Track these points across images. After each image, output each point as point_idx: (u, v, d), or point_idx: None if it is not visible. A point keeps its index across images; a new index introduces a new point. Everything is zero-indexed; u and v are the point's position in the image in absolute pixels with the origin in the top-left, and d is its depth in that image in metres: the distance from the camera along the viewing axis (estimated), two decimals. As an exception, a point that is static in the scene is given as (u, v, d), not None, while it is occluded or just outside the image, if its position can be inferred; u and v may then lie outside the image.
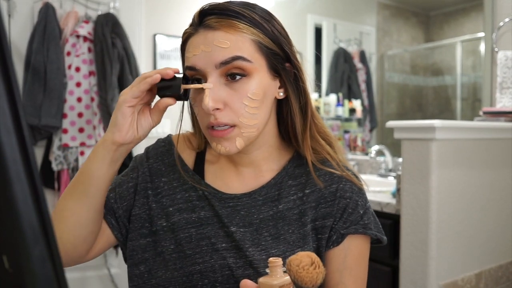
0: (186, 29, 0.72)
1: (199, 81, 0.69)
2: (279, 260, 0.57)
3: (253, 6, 0.71)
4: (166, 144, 0.83)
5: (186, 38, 0.71)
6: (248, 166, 0.77)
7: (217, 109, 0.66)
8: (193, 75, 0.69)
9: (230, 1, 0.70)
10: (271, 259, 0.57)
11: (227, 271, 0.70)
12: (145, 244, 0.75)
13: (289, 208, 0.75)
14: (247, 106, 0.67)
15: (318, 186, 0.75)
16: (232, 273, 0.70)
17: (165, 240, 0.73)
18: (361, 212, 0.75)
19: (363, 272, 0.78)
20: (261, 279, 0.57)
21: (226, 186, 0.77)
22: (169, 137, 0.84)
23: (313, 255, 0.55)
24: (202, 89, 0.67)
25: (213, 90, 0.66)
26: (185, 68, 0.70)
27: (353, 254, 0.75)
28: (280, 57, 0.71)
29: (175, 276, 0.71)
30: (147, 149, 0.84)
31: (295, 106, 0.74)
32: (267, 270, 0.57)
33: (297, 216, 0.74)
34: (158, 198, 0.77)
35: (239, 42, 0.66)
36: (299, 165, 0.78)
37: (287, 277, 0.56)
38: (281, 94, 0.74)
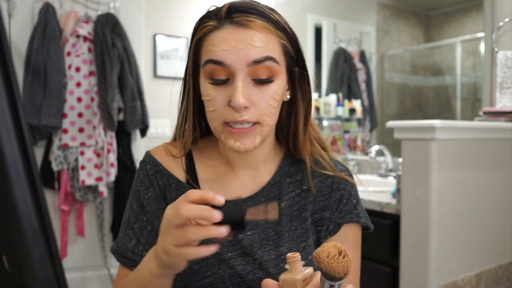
0: (206, 23, 0.68)
1: (221, 79, 0.66)
2: (297, 255, 0.56)
3: (275, 10, 0.71)
4: (152, 166, 0.77)
5: (208, 31, 0.68)
6: (247, 167, 0.77)
7: (245, 107, 0.66)
8: (215, 70, 0.66)
9: (254, 1, 0.70)
10: (289, 254, 0.56)
11: (237, 279, 0.70)
12: None
13: (290, 205, 0.76)
14: (271, 106, 0.68)
15: (315, 181, 0.78)
16: (242, 280, 0.70)
17: None
18: (354, 202, 0.79)
19: (358, 259, 0.81)
20: (282, 276, 0.56)
21: (226, 192, 0.76)
22: (150, 156, 0.78)
23: (339, 245, 0.54)
24: (225, 85, 0.66)
25: (243, 88, 0.65)
26: (208, 61, 0.67)
27: (348, 241, 0.78)
28: (294, 61, 0.72)
29: None
30: (141, 181, 0.77)
31: (302, 110, 0.75)
32: (286, 266, 0.56)
33: (298, 212, 0.76)
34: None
35: (270, 43, 0.67)
36: (293, 162, 0.80)
37: (308, 270, 0.56)
38: (288, 96, 0.74)
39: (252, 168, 0.77)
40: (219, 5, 0.70)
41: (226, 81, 0.67)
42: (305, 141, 0.76)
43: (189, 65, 0.73)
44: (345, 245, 0.76)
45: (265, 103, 0.67)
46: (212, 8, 0.70)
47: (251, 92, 0.66)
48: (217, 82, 0.67)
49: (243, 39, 0.65)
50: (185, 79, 0.75)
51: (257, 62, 0.65)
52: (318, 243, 0.76)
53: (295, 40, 0.72)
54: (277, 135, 0.81)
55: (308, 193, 0.77)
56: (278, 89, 0.68)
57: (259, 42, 0.65)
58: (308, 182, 0.77)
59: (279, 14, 0.71)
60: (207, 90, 0.68)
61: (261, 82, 0.67)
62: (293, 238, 0.74)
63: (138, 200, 0.76)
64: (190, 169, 0.78)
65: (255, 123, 0.67)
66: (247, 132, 0.67)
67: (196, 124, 0.77)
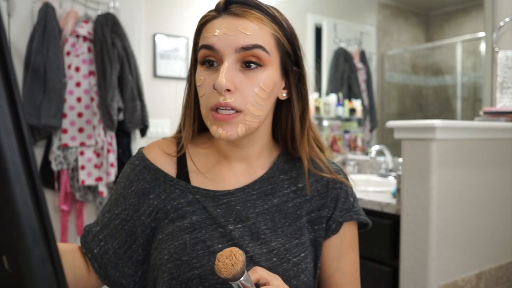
0: (206, 13, 0.72)
1: (211, 63, 0.69)
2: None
3: (277, 9, 0.73)
4: (140, 161, 0.79)
5: (206, 21, 0.71)
6: (242, 161, 0.78)
7: (228, 90, 0.67)
8: (207, 55, 0.69)
9: None
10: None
11: None
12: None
13: (284, 202, 0.77)
14: (257, 95, 0.68)
15: (310, 180, 0.79)
16: None
17: (160, 253, 0.73)
18: (352, 200, 0.80)
19: (357, 256, 0.82)
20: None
21: (219, 181, 0.77)
22: (140, 152, 0.81)
23: (235, 249, 0.58)
24: (216, 71, 0.68)
25: (228, 72, 0.66)
26: (201, 46, 0.69)
27: (347, 240, 0.79)
28: (291, 59, 0.73)
29: (173, 285, 0.70)
30: (127, 175, 0.79)
31: (297, 110, 0.75)
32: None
33: (292, 209, 0.76)
34: (153, 215, 0.75)
35: (261, 33, 0.68)
36: (288, 160, 0.81)
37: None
38: (284, 95, 0.75)
39: (247, 162, 0.78)
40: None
41: (216, 67, 0.69)
42: (303, 141, 0.77)
43: (192, 57, 0.75)
44: (344, 244, 0.78)
45: (250, 90, 0.68)
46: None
47: (236, 77, 0.67)
48: (208, 67, 0.70)
49: (235, 27, 0.67)
50: (189, 72, 0.77)
51: (245, 48, 0.67)
52: (315, 242, 0.77)
53: (292, 38, 0.72)
54: (275, 134, 0.81)
55: (304, 191, 0.78)
56: (267, 79, 0.69)
57: (249, 30, 0.67)
58: (303, 180, 0.78)
59: (280, 13, 0.72)
60: (200, 75, 0.70)
61: (248, 67, 0.68)
62: (286, 234, 0.74)
63: (117, 191, 0.78)
64: (182, 162, 0.78)
65: (238, 111, 0.68)
66: (229, 119, 0.67)
67: (195, 117, 0.78)
